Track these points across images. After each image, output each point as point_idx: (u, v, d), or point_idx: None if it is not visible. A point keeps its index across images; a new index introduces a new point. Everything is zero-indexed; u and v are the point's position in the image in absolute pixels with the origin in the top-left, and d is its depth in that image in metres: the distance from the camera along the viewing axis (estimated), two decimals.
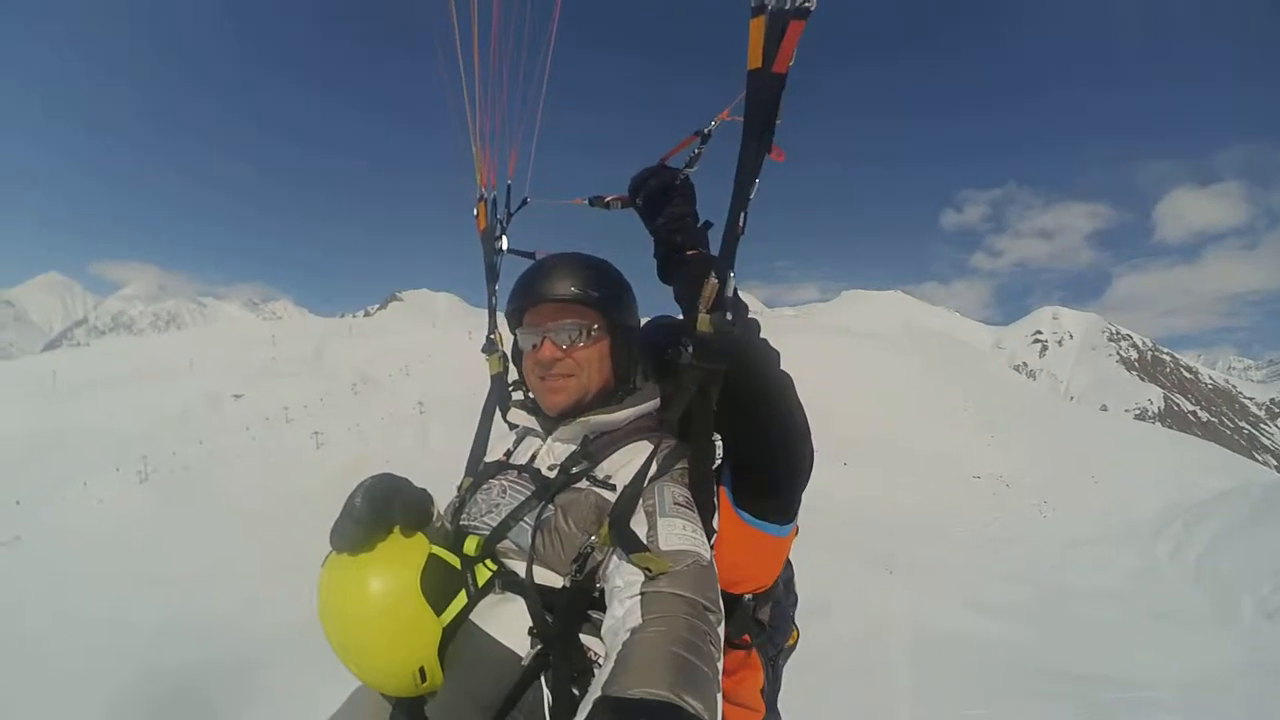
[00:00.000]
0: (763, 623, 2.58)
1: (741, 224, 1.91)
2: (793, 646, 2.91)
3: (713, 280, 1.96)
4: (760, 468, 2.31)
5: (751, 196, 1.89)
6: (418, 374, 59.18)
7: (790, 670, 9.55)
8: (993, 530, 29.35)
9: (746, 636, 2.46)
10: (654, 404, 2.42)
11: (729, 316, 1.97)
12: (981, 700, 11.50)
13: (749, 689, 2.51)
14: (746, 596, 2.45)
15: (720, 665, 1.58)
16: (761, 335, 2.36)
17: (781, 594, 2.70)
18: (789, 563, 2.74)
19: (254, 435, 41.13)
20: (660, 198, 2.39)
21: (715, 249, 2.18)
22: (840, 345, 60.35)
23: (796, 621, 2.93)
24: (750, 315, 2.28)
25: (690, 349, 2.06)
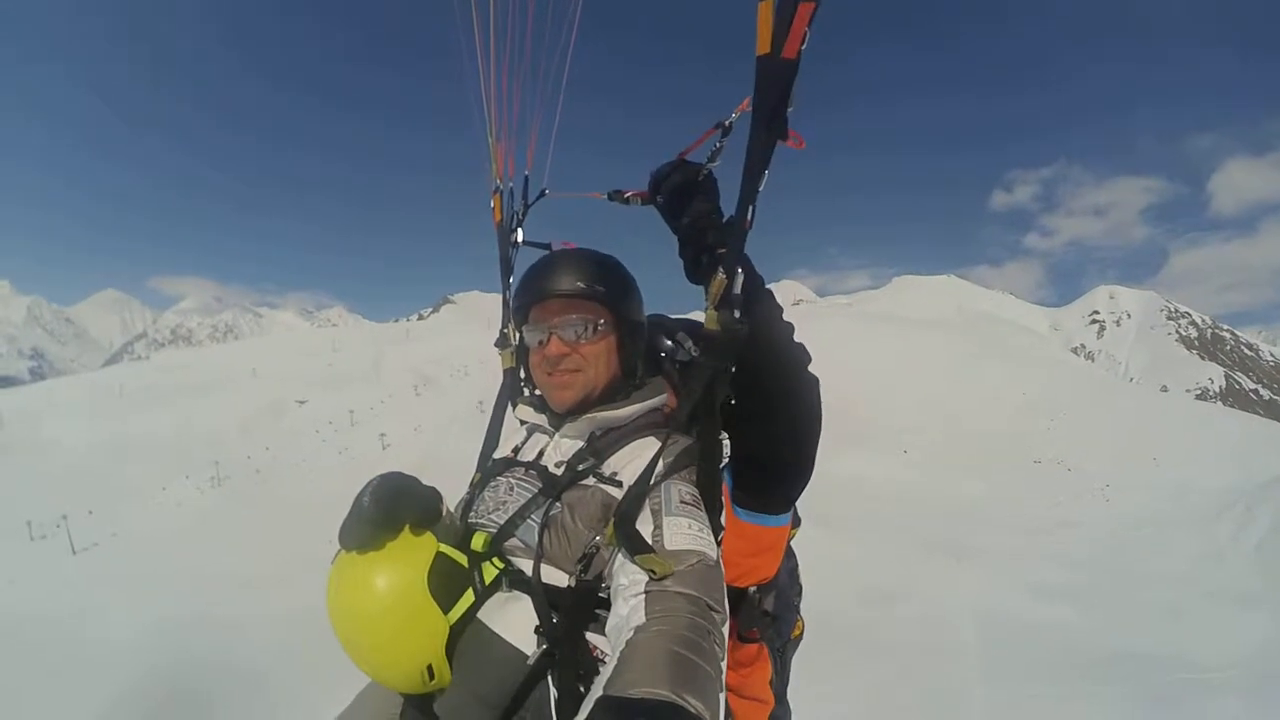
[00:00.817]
0: (770, 614, 2.66)
1: (750, 217, 1.87)
2: (799, 637, 2.96)
3: (720, 276, 1.92)
4: (769, 466, 2.33)
5: (760, 188, 1.84)
6: (476, 374, 58.99)
7: (863, 655, 10.12)
8: (1055, 515, 28.90)
9: (755, 631, 2.51)
10: (661, 399, 2.47)
11: (737, 314, 1.94)
12: (1048, 681, 11.77)
13: (758, 681, 2.57)
14: (751, 589, 2.48)
15: (724, 665, 1.59)
16: (794, 335, 2.31)
17: (785, 584, 2.77)
18: (791, 552, 2.80)
19: (322, 439, 42.27)
20: (683, 195, 2.28)
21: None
22: (894, 332, 59.67)
23: (802, 612, 3.02)
24: (785, 317, 2.29)
25: (698, 346, 2.09)
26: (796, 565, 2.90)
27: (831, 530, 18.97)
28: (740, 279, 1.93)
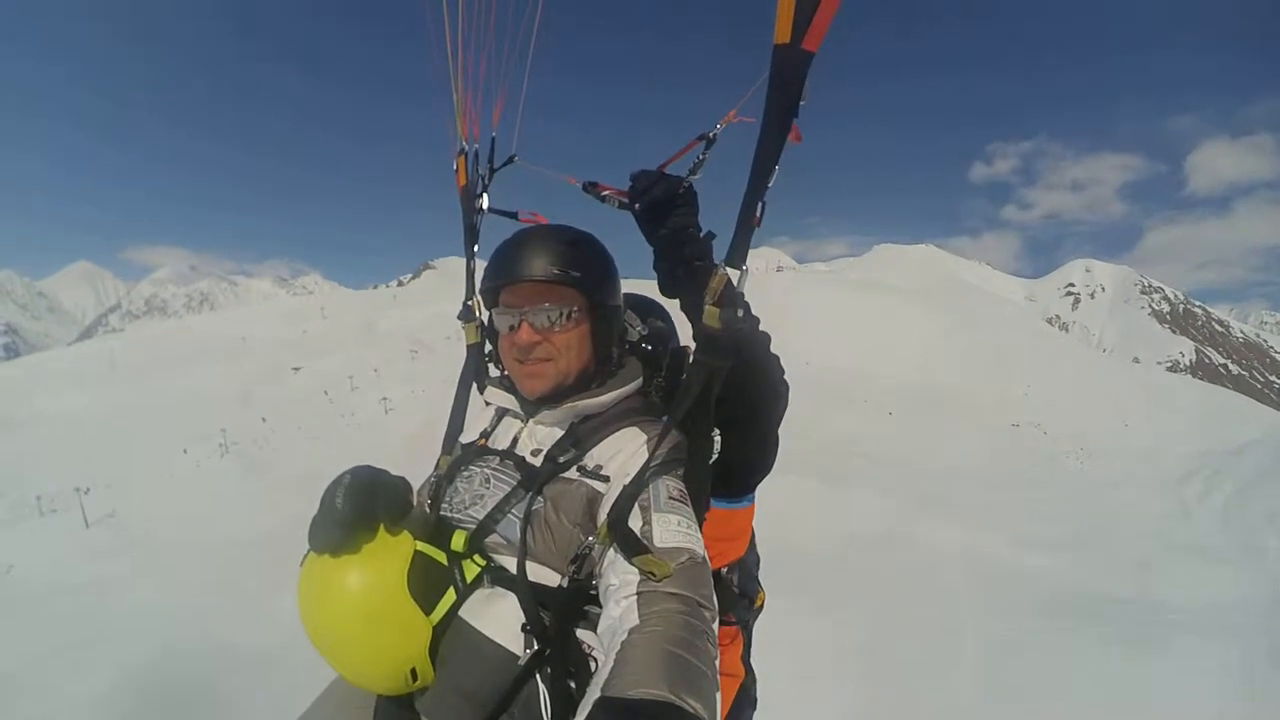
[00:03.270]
0: (748, 596, 2.73)
1: (759, 214, 1.77)
2: (760, 608, 2.94)
3: (721, 273, 1.86)
4: (748, 457, 2.44)
5: (771, 184, 1.75)
6: None
7: (864, 590, 11.44)
8: (1032, 475, 29.42)
9: (731, 615, 2.59)
10: (638, 383, 2.43)
11: (739, 311, 1.87)
12: (1032, 618, 12.76)
13: (732, 659, 2.66)
14: (724, 570, 2.57)
15: (718, 663, 1.58)
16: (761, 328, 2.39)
17: (747, 556, 2.77)
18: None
19: (323, 404, 42.07)
20: (663, 208, 2.20)
21: (720, 256, 2.03)
22: (876, 300, 59.87)
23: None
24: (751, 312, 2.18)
25: (695, 345, 2.01)
26: (754, 537, 2.87)
27: (828, 484, 19.73)
28: (746, 276, 1.88)
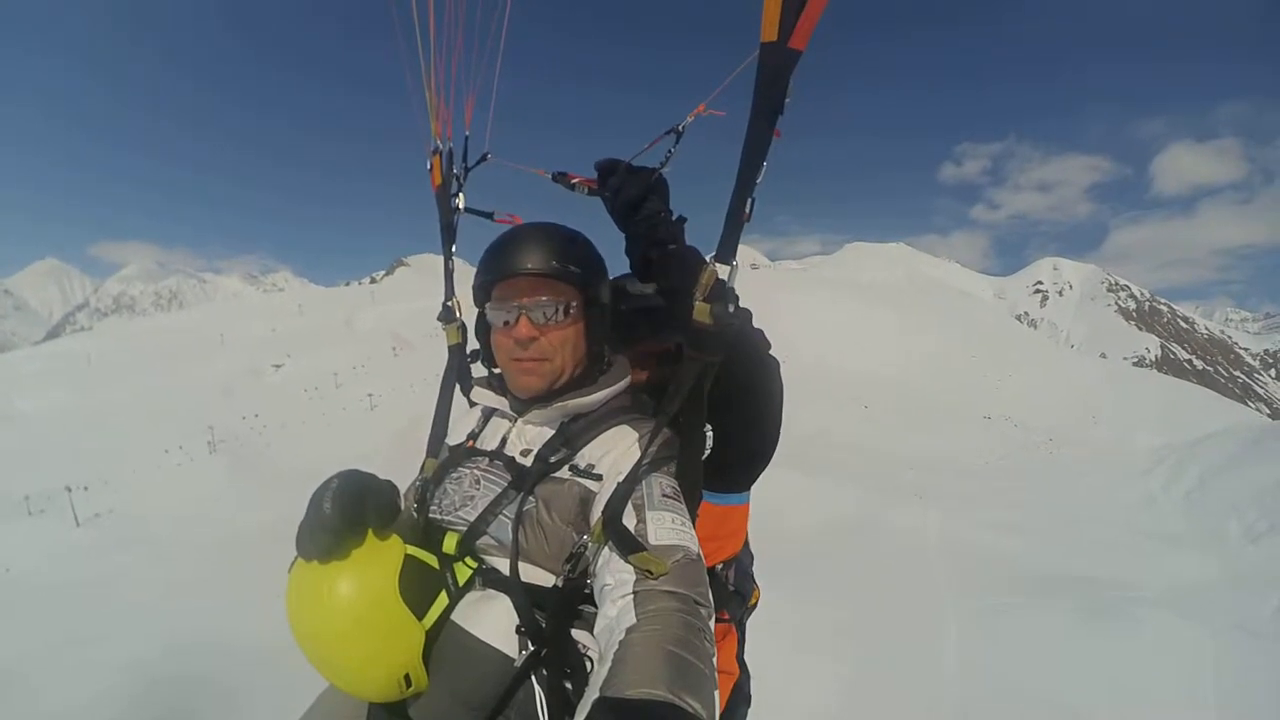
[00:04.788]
0: (742, 595, 2.67)
1: (748, 210, 1.77)
2: (754, 605, 2.86)
3: (712, 268, 1.86)
4: (742, 452, 2.39)
5: (759, 180, 1.75)
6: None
7: (846, 570, 12.10)
8: (1004, 464, 30.08)
9: (724, 612, 2.54)
10: (626, 381, 2.38)
11: (730, 306, 1.87)
12: (1005, 593, 13.43)
13: (726, 656, 2.61)
14: (718, 566, 2.51)
15: (715, 661, 1.57)
16: (755, 324, 2.36)
17: (743, 556, 2.74)
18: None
19: (308, 400, 42.10)
20: (636, 199, 2.24)
21: (702, 233, 2.15)
22: (850, 297, 59.82)
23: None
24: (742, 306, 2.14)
25: (687, 340, 1.96)
26: (747, 536, 2.78)
27: (805, 473, 20.17)
28: (736, 271, 1.87)
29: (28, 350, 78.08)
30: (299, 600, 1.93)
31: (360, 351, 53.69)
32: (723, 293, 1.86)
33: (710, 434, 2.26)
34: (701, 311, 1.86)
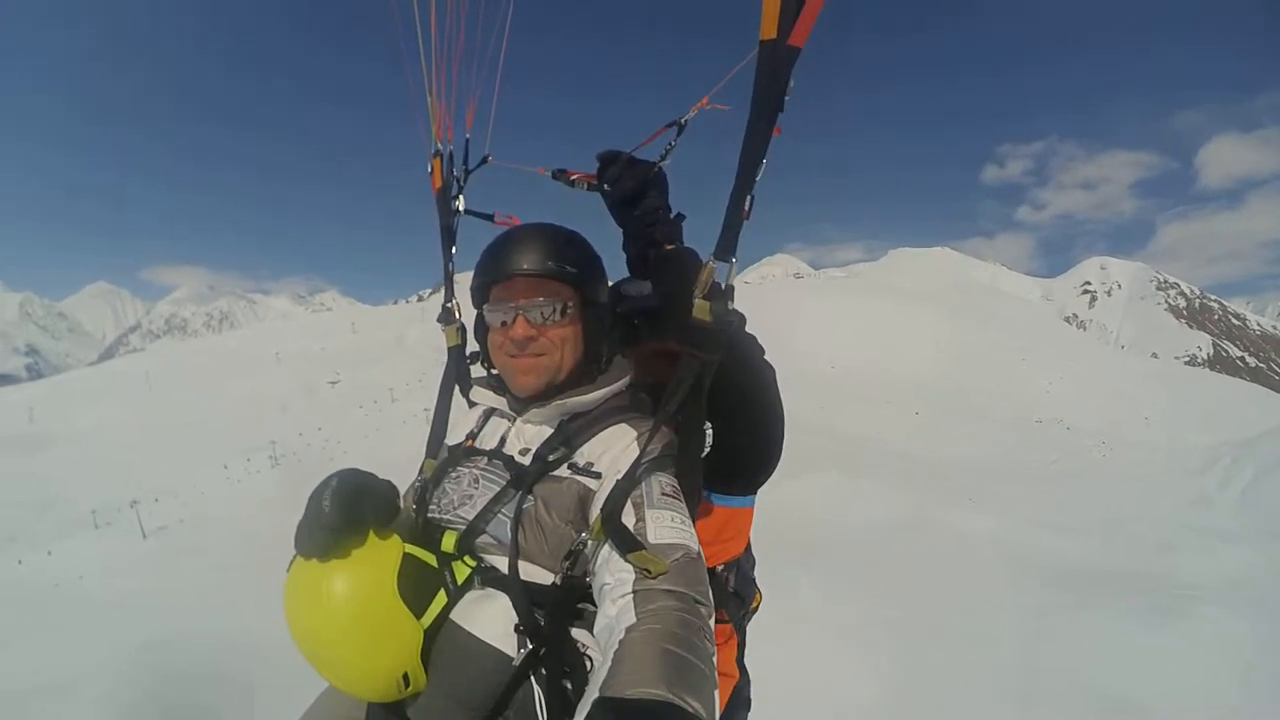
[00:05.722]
0: (741, 596, 2.65)
1: (747, 208, 1.76)
2: (755, 609, 2.85)
3: (711, 265, 1.83)
4: (743, 454, 2.36)
5: (759, 178, 1.74)
6: None
7: (901, 570, 12.39)
8: (1056, 467, 29.05)
9: (724, 613, 2.49)
10: (625, 380, 2.37)
11: (730, 304, 1.87)
12: (1062, 590, 13.55)
13: (726, 659, 2.59)
14: (719, 568, 2.49)
15: (715, 660, 1.57)
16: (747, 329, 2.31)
17: (744, 559, 2.71)
18: None
19: (364, 415, 42.41)
20: (634, 191, 2.26)
21: (700, 230, 2.09)
22: (895, 303, 58.98)
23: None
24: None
25: (684, 337, 1.95)
26: (750, 540, 2.76)
27: (855, 477, 20.01)
28: (734, 269, 1.86)
29: (86, 370, 78.75)
30: (297, 599, 1.96)
31: (414, 367, 54.04)
32: (720, 290, 1.87)
33: (710, 433, 2.24)
34: (701, 309, 1.87)
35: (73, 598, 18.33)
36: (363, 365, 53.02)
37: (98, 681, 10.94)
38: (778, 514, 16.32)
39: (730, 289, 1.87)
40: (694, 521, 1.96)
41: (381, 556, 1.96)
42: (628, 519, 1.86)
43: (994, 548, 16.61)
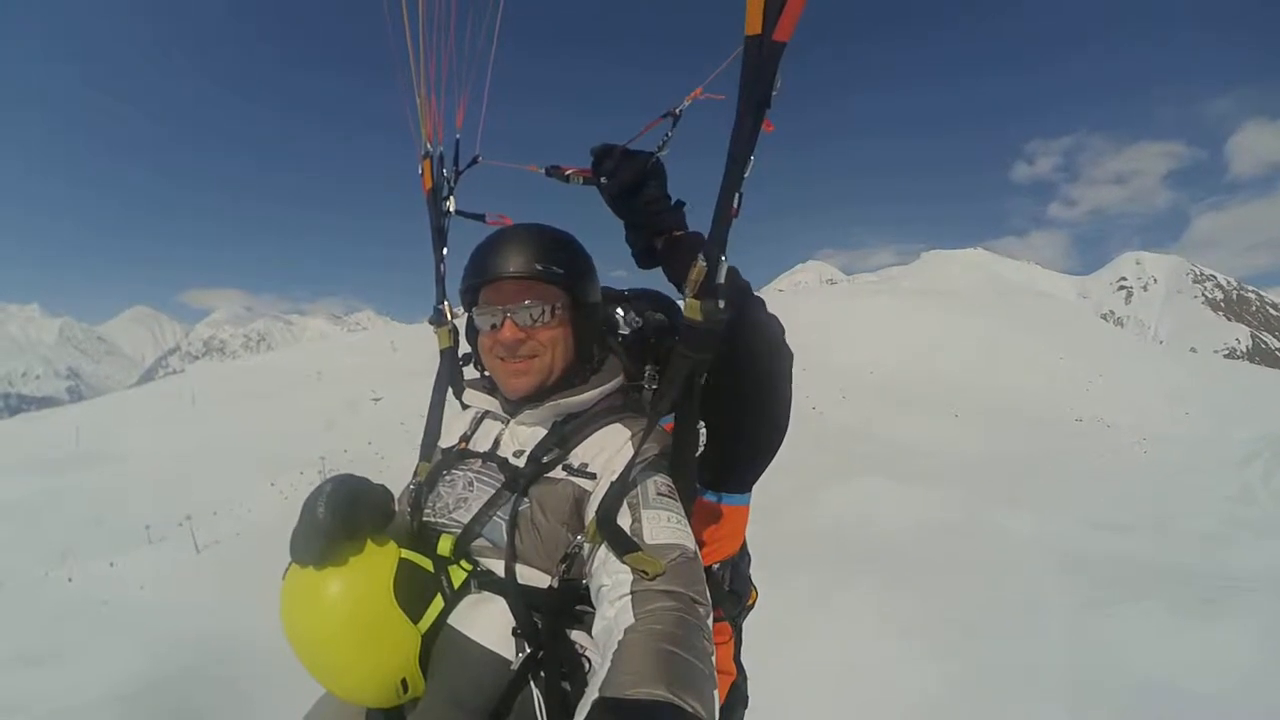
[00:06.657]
0: (738, 594, 2.68)
1: (736, 205, 1.75)
2: (752, 605, 2.89)
3: (700, 264, 1.82)
4: (742, 451, 2.37)
5: (747, 175, 1.72)
6: None
7: (949, 569, 12.80)
8: (1098, 466, 28.76)
9: (720, 610, 2.52)
10: (619, 380, 2.40)
11: (720, 303, 1.84)
12: (1110, 586, 13.65)
13: (724, 656, 2.60)
14: (715, 566, 2.50)
15: (715, 660, 1.57)
16: (768, 311, 2.31)
17: (739, 556, 2.73)
18: None
19: (407, 430, 40.46)
20: (633, 182, 2.22)
21: (693, 228, 2.25)
22: (930, 306, 58.45)
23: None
24: (756, 294, 2.29)
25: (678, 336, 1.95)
26: (745, 538, 2.76)
27: (897, 479, 19.21)
28: (725, 267, 1.83)
29: (129, 392, 79.80)
30: (293, 605, 1.97)
31: None
32: (712, 289, 1.85)
33: (704, 432, 2.23)
34: (692, 308, 1.87)
35: (127, 608, 18.86)
36: (404, 381, 53.03)
37: (148, 688, 11.02)
38: (836, 521, 16.93)
39: (721, 287, 1.86)
40: (689, 520, 2.00)
41: (377, 562, 2.01)
42: (623, 520, 1.89)
43: (1040, 546, 16.64)
